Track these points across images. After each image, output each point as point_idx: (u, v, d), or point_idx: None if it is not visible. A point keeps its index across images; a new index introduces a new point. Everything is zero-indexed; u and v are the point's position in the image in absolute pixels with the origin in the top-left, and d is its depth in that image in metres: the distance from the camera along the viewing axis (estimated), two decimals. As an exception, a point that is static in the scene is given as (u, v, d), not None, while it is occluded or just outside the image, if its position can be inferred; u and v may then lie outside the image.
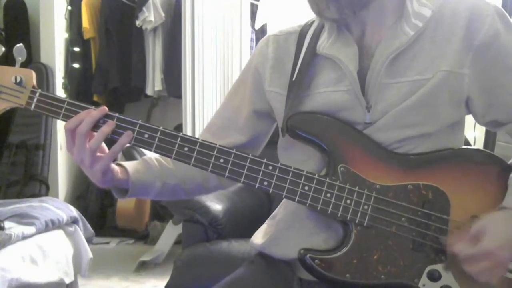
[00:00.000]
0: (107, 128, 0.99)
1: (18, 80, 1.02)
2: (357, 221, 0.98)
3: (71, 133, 1.00)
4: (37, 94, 1.03)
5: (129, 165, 1.10)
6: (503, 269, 0.95)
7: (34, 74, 1.04)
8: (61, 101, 1.02)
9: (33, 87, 1.03)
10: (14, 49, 1.03)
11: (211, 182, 1.17)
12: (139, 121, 1.01)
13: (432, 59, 1.00)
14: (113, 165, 1.05)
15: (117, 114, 1.01)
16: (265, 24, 3.66)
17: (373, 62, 1.01)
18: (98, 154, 1.00)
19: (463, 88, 1.02)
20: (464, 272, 0.97)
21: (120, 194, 1.12)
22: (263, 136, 1.19)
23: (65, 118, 1.02)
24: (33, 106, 1.02)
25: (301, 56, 1.07)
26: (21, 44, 1.05)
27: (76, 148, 1.00)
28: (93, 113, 0.99)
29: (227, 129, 1.16)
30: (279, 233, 1.11)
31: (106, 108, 1.01)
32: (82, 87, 3.95)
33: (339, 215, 0.99)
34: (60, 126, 3.69)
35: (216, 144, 1.00)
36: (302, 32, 1.11)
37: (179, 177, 1.14)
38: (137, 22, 3.74)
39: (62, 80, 3.79)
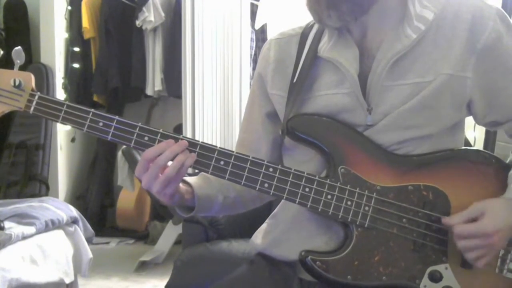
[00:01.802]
0: (189, 161, 0.98)
1: (16, 83, 1.00)
2: (358, 223, 0.98)
3: (148, 162, 0.98)
4: (36, 97, 1.02)
5: (192, 181, 1.08)
6: (493, 253, 0.96)
7: (33, 77, 1.03)
8: (60, 104, 1.01)
9: (32, 90, 1.02)
10: (13, 52, 1.02)
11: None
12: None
13: (434, 62, 1.00)
14: (180, 186, 1.04)
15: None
16: (265, 24, 3.66)
17: (374, 64, 1.01)
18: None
19: (466, 91, 1.01)
20: (466, 272, 0.98)
21: (185, 212, 1.10)
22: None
23: (64, 121, 1.01)
24: (32, 109, 1.02)
25: (302, 59, 1.07)
26: (19, 47, 1.03)
27: (148, 176, 0.97)
28: (174, 148, 0.97)
29: (256, 141, 1.16)
30: (280, 234, 1.11)
31: (186, 142, 0.99)
32: (82, 87, 3.95)
33: (340, 217, 0.99)
34: (60, 126, 3.69)
35: (216, 146, 1.00)
36: (303, 35, 1.11)
37: (238, 189, 1.13)
38: (137, 22, 3.74)
39: (62, 80, 3.79)
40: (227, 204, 1.14)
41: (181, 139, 1.00)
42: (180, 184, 1.05)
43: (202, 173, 1.11)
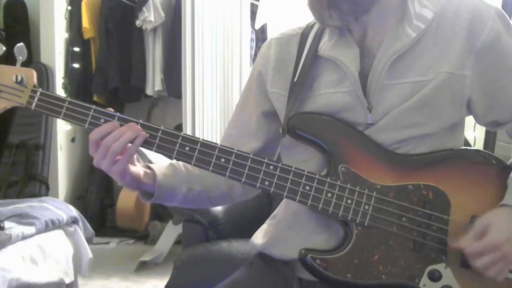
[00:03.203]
0: (139, 140, 0.99)
1: (19, 79, 1.01)
2: (358, 221, 0.98)
3: (93, 143, 1.00)
4: (38, 93, 1.02)
5: (157, 168, 1.09)
6: (509, 263, 0.95)
7: (35, 73, 1.03)
8: (62, 100, 1.02)
9: (34, 86, 1.03)
10: (15, 48, 1.03)
11: (236, 190, 1.17)
12: (141, 122, 1.01)
13: (434, 60, 1.00)
14: (137, 169, 1.05)
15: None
16: (265, 24, 3.66)
17: (374, 63, 1.01)
18: (117, 157, 1.00)
19: (465, 89, 1.02)
20: (465, 272, 0.98)
21: (146, 198, 1.11)
22: (277, 138, 1.16)
23: (66, 117, 1.01)
24: (33, 105, 1.02)
25: (302, 58, 1.07)
26: (21, 43, 1.04)
27: (97, 155, 1.01)
28: (122, 129, 0.99)
29: (243, 137, 1.15)
30: (280, 233, 1.11)
31: (134, 124, 1.00)
32: (82, 87, 3.95)
33: (340, 215, 0.99)
34: (60, 126, 3.69)
35: (217, 144, 1.00)
36: (303, 35, 1.11)
37: (205, 184, 1.13)
38: (137, 22, 3.74)
39: (62, 80, 3.79)
40: (191, 197, 1.13)
41: (182, 136, 1.00)
42: (141, 169, 1.06)
43: (170, 162, 1.12)
